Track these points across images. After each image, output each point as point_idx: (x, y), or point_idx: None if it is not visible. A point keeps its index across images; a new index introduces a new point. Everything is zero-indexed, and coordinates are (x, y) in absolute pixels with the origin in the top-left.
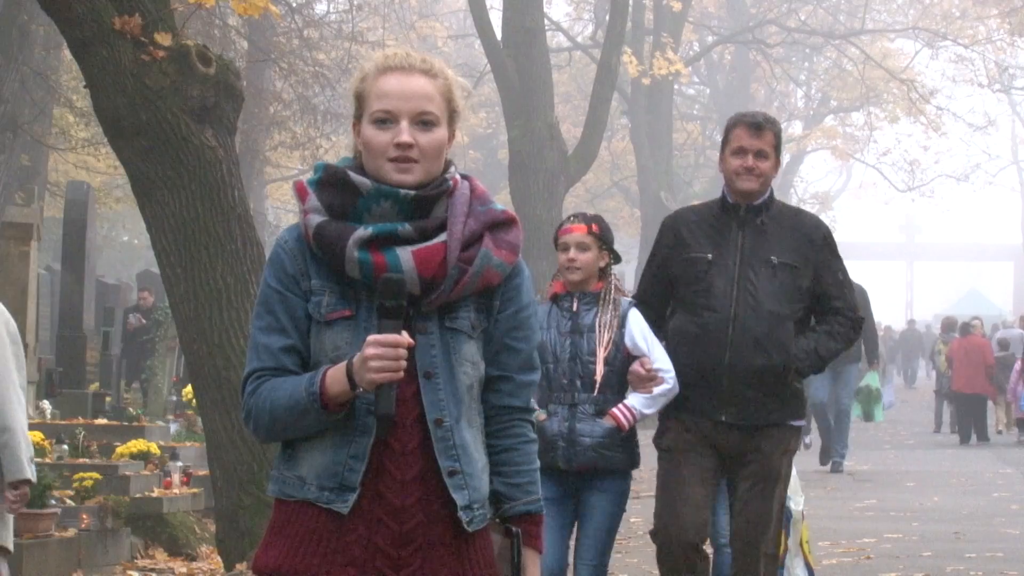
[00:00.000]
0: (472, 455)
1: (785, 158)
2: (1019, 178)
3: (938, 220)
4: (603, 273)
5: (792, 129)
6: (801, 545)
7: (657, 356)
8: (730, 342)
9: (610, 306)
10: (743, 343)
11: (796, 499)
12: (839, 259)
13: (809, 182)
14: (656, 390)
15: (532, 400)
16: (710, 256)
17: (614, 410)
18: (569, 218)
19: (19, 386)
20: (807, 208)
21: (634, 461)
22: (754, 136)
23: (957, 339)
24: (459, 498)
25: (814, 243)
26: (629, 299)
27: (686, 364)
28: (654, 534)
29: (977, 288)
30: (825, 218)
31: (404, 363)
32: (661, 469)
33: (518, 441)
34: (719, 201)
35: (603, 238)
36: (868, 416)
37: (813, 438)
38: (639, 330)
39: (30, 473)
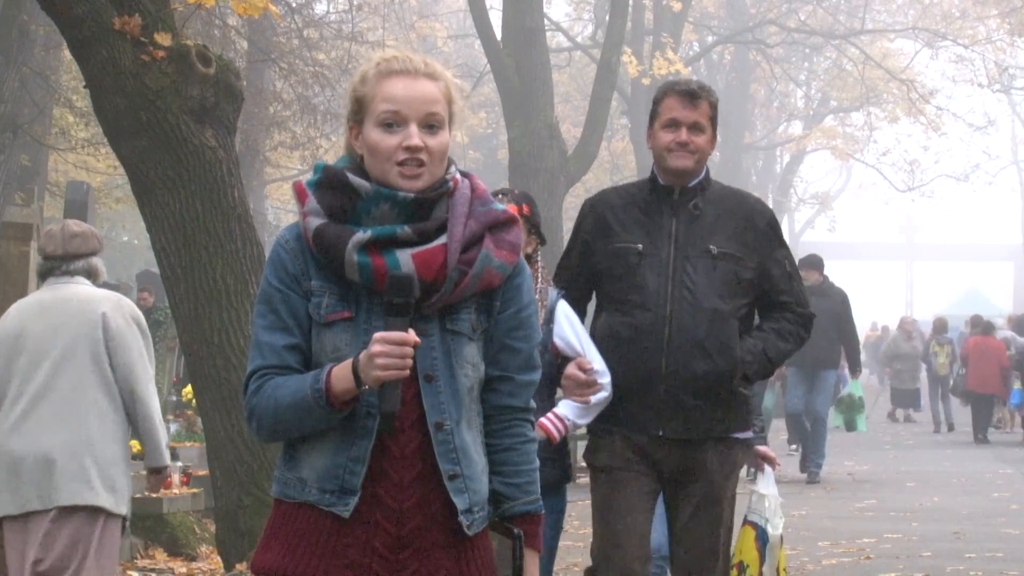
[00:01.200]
0: (472, 457)
1: (785, 158)
2: (1019, 178)
3: (938, 220)
4: (529, 260)
5: (792, 129)
6: (778, 572)
7: (592, 356)
8: (667, 345)
9: (536, 297)
10: (682, 346)
11: (775, 522)
12: (786, 248)
13: (809, 182)
14: (593, 398)
15: (531, 399)
16: (641, 247)
17: (543, 420)
18: (496, 195)
19: (152, 378)
20: (806, 208)
21: (567, 475)
22: (688, 107)
23: (975, 338)
24: (459, 502)
25: (757, 229)
26: (557, 290)
27: (617, 371)
28: (593, 570)
29: (977, 288)
30: (825, 218)
31: (410, 361)
32: (597, 492)
33: (517, 441)
34: (648, 182)
35: (533, 221)
36: (850, 425)
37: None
38: (570, 325)
39: (168, 459)
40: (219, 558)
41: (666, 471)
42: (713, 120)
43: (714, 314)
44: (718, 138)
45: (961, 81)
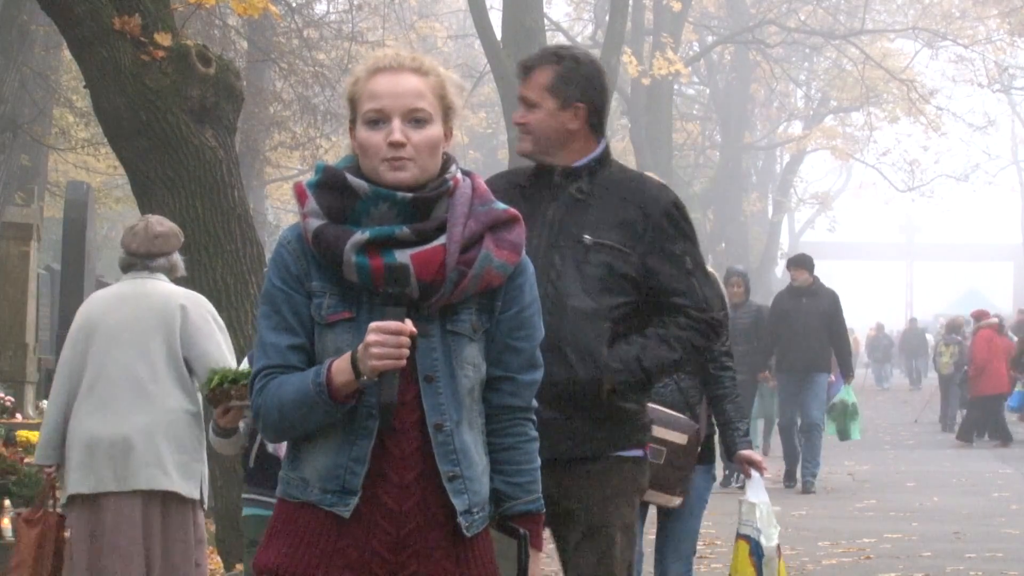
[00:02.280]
0: (472, 458)
1: (785, 158)
2: (1019, 178)
3: (938, 220)
4: None
5: (792, 129)
6: None
7: None
8: None
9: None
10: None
11: (768, 532)
12: (687, 241)
13: (809, 182)
14: None
15: (534, 399)
16: None
17: None
18: None
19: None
20: (806, 208)
21: None
22: (522, 83)
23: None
24: (459, 503)
25: (650, 218)
26: None
27: None
28: None
29: (977, 288)
30: (825, 218)
31: (407, 351)
32: None
33: (520, 440)
34: (534, 164)
35: None
36: (843, 434)
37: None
38: None
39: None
40: (219, 558)
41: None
42: (557, 89)
43: (578, 314)
44: (589, 104)
45: (961, 81)
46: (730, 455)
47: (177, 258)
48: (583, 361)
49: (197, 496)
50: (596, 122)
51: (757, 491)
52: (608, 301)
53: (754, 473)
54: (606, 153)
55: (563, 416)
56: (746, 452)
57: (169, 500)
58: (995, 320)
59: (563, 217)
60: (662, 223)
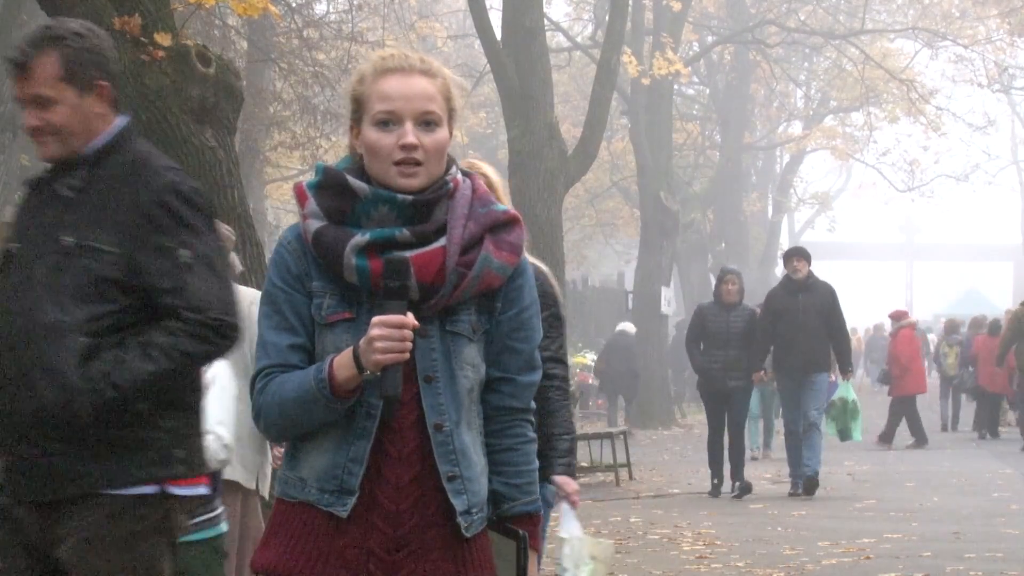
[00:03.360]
0: (471, 459)
1: (785, 158)
2: (1019, 178)
3: (938, 220)
4: None
5: (792, 129)
6: None
7: None
8: None
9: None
10: (7, 377)
11: (576, 573)
12: (187, 231)
13: (809, 182)
14: None
15: (532, 401)
16: (17, 247)
17: None
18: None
19: None
20: (806, 208)
21: None
22: (22, 81)
23: (984, 336)
24: (458, 503)
25: (140, 208)
26: None
27: None
28: None
29: (977, 288)
30: (825, 218)
31: (409, 344)
32: None
33: (518, 441)
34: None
35: None
36: (845, 434)
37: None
38: None
39: None
40: None
41: (34, 548)
42: (74, 74)
43: (46, 329)
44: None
45: (961, 81)
46: (544, 476)
47: (233, 257)
48: (51, 385)
49: (253, 486)
50: (116, 98)
51: (568, 525)
52: (85, 312)
53: (564, 506)
54: (121, 136)
55: (39, 452)
56: (561, 478)
57: (229, 489)
58: (914, 320)
59: (50, 220)
60: (154, 212)
